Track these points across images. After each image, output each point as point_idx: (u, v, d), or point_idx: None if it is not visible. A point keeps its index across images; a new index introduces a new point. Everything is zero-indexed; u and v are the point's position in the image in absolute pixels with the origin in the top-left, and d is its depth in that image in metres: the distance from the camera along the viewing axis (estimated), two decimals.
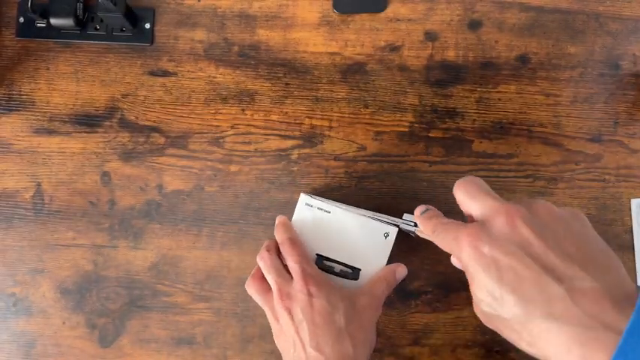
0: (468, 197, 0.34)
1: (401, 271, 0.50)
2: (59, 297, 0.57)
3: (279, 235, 0.50)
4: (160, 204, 0.58)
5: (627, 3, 0.60)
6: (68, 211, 0.58)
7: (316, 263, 0.50)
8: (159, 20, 0.60)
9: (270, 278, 0.48)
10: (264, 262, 0.49)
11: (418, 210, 0.43)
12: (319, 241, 0.51)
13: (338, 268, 0.51)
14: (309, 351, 0.43)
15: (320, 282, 0.46)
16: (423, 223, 0.41)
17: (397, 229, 0.51)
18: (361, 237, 0.51)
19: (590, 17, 0.60)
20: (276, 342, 0.49)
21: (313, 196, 0.52)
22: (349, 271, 0.51)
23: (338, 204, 0.52)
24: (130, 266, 0.58)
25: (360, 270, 0.51)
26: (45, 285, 0.58)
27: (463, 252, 0.32)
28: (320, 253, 0.51)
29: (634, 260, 0.57)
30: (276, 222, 0.52)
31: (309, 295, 0.45)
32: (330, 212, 0.51)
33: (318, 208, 0.51)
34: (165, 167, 0.58)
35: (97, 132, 0.59)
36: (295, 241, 0.49)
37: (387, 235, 0.51)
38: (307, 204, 0.52)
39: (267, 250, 0.49)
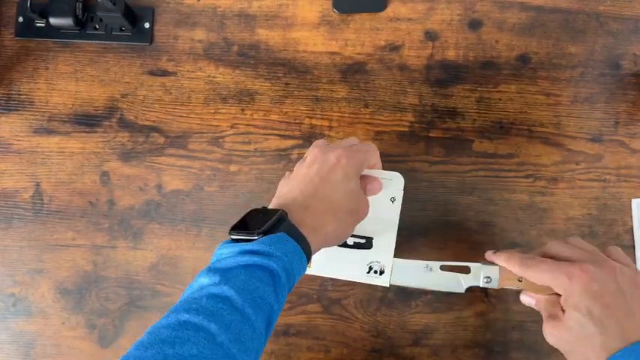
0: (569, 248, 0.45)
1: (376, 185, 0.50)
2: (59, 297, 0.57)
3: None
4: (160, 204, 0.58)
5: (628, 3, 0.59)
6: (67, 211, 0.58)
7: None
8: (158, 20, 0.60)
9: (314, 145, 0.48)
10: (317, 143, 0.48)
11: (489, 252, 0.49)
12: None
13: (351, 240, 0.50)
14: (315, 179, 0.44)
15: (356, 166, 0.46)
16: (506, 260, 0.47)
17: (402, 193, 0.50)
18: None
19: (591, 17, 0.59)
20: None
21: None
22: (362, 241, 0.50)
23: None
24: (129, 266, 0.57)
25: (372, 238, 0.50)
26: (44, 285, 0.57)
27: (575, 285, 0.41)
28: None
29: (634, 260, 0.57)
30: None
31: (337, 159, 0.45)
32: None
33: None
34: (164, 167, 0.58)
35: (96, 132, 0.59)
36: (360, 147, 0.48)
37: (393, 199, 0.50)
38: None
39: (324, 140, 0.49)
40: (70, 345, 0.57)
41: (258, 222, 0.41)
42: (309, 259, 0.42)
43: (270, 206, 0.45)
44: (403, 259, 0.51)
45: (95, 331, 0.57)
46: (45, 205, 0.58)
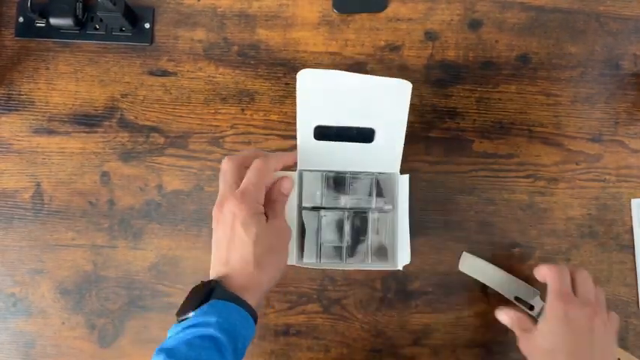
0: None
1: (286, 184, 0.49)
2: (59, 297, 0.57)
3: (267, 156, 0.48)
4: (160, 204, 0.58)
5: (627, 3, 0.60)
6: (68, 211, 0.58)
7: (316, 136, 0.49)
8: (158, 20, 0.60)
9: (220, 184, 0.47)
10: (224, 164, 0.48)
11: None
12: (326, 110, 0.48)
13: (354, 130, 0.49)
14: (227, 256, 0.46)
15: (250, 210, 0.45)
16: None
17: (411, 85, 0.46)
18: (372, 97, 0.47)
19: (591, 17, 0.60)
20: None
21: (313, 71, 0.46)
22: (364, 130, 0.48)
23: (340, 72, 0.46)
24: (129, 266, 0.57)
25: (374, 130, 0.49)
26: (44, 285, 0.57)
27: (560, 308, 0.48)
28: (322, 124, 0.48)
29: (634, 260, 0.57)
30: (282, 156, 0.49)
31: (232, 214, 0.45)
32: (334, 80, 0.46)
33: (320, 80, 0.46)
34: (164, 167, 0.58)
35: (96, 132, 0.59)
36: (264, 168, 0.47)
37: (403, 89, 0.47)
38: (308, 78, 0.46)
39: (232, 159, 0.48)
40: (70, 345, 0.57)
41: (197, 297, 0.44)
42: (252, 312, 0.44)
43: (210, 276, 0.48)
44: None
45: (95, 331, 0.57)
46: (45, 205, 0.58)
